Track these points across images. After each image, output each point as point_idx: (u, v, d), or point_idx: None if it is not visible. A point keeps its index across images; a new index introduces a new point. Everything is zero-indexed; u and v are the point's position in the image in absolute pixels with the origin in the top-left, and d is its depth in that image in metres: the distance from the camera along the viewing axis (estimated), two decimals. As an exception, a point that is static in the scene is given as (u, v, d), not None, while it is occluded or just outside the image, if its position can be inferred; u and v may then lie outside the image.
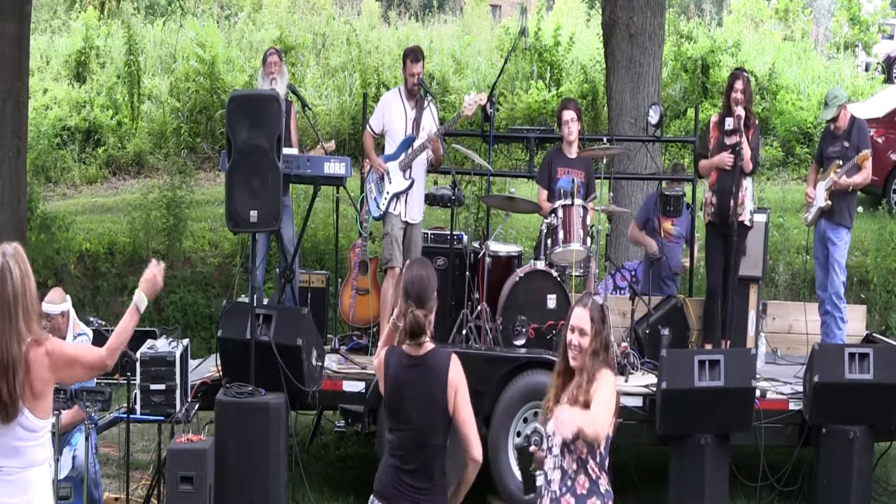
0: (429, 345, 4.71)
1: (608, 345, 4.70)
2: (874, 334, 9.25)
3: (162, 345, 7.39)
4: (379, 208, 8.40)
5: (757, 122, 8.61)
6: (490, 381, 7.66)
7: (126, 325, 4.54)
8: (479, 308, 8.14)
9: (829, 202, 8.65)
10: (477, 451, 4.72)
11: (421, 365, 4.67)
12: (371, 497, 4.77)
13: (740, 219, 8.31)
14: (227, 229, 7.90)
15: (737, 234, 8.33)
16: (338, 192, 8.87)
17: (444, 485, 4.73)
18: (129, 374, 7.27)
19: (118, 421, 7.68)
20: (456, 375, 4.68)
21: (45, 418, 4.38)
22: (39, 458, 4.40)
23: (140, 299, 4.58)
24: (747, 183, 8.39)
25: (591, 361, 4.63)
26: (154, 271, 4.62)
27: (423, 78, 8.42)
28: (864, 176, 8.67)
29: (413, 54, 8.42)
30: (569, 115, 8.58)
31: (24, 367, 4.28)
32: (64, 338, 7.12)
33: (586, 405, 4.56)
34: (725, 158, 8.28)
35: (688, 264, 9.70)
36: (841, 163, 8.64)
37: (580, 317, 4.64)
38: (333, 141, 9.94)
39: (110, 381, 7.83)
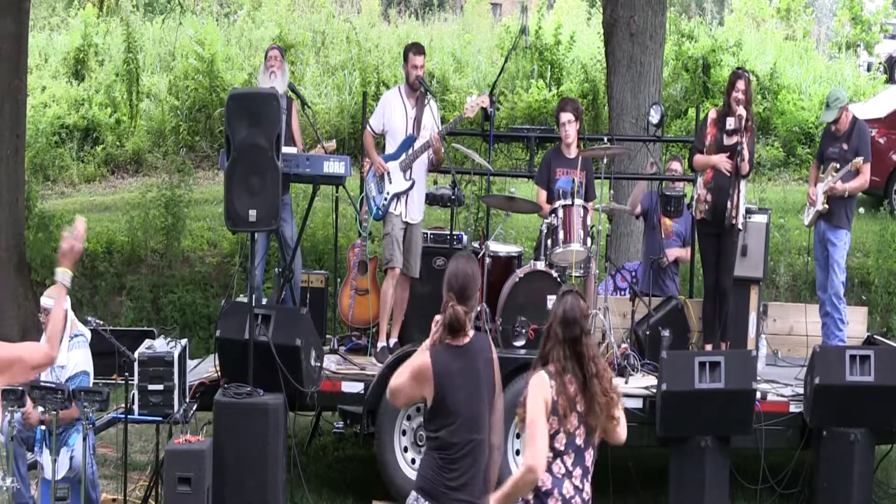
0: (471, 332, 4.81)
1: None
2: (875, 336, 9.21)
3: (160, 345, 7.37)
4: (379, 209, 8.35)
5: (754, 125, 8.54)
6: (489, 383, 7.61)
7: (58, 313, 4.48)
8: (478, 308, 8.09)
9: (826, 206, 8.62)
10: (498, 436, 4.85)
11: (469, 351, 4.76)
12: (413, 493, 4.74)
13: (733, 221, 8.26)
14: (226, 228, 7.87)
15: (728, 235, 8.28)
16: (337, 192, 8.83)
17: (489, 482, 4.79)
18: (126, 374, 7.26)
19: (116, 421, 7.67)
20: (495, 353, 4.90)
21: None
22: None
23: (63, 276, 4.43)
24: (742, 185, 8.35)
25: None
26: (70, 242, 4.44)
27: (422, 76, 8.38)
28: (861, 182, 8.61)
29: (416, 47, 8.39)
30: (566, 117, 8.52)
31: None
32: (61, 335, 7.09)
33: None
34: (725, 163, 8.22)
35: (686, 259, 9.69)
36: (838, 166, 8.59)
37: None
38: (334, 140, 9.90)
39: (108, 381, 7.81)
